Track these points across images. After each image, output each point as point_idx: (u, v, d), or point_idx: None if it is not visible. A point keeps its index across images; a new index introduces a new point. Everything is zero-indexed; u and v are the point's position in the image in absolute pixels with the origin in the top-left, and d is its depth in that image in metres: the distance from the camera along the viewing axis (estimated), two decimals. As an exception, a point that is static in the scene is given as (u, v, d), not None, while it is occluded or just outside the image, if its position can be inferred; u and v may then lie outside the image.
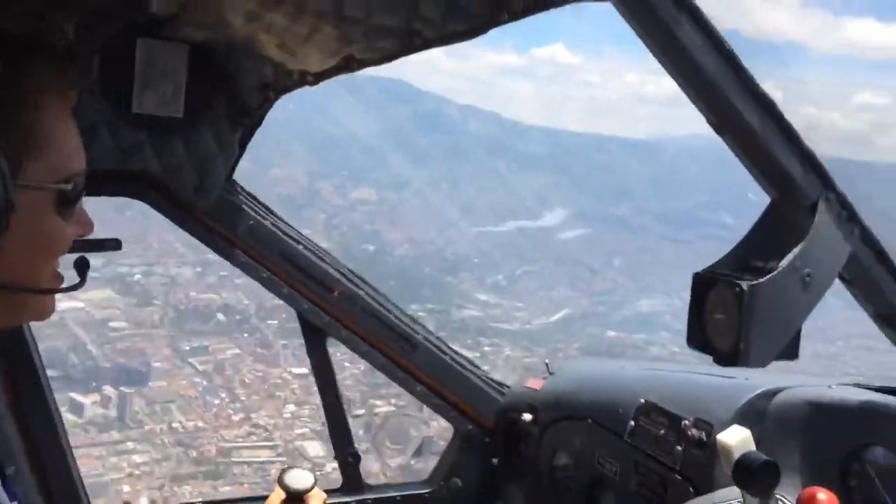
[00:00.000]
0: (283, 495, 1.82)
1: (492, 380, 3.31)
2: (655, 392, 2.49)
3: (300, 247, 2.88)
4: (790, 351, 1.64)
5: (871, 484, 1.83)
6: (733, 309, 1.54)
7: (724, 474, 2.06)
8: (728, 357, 1.59)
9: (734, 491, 2.02)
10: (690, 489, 2.18)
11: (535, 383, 3.17)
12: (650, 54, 1.63)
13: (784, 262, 1.56)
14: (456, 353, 3.23)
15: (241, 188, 2.85)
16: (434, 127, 76.07)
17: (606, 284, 43.67)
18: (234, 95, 2.58)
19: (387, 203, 50.55)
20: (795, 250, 1.56)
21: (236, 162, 2.76)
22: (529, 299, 38.70)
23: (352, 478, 3.02)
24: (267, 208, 2.90)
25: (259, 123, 2.71)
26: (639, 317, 39.07)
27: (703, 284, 1.64)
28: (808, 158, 1.64)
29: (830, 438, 1.95)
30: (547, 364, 3.23)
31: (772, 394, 2.16)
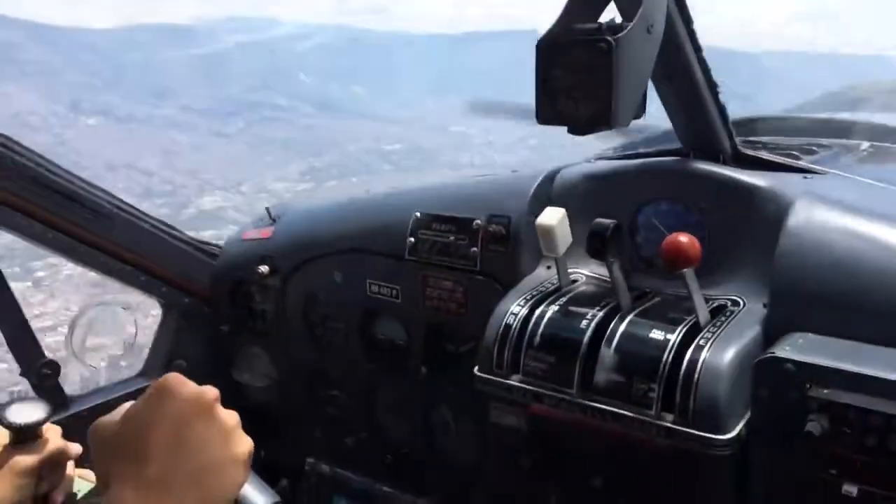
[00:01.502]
0: (6, 437, 1.31)
1: (203, 242, 2.81)
2: (430, 203, 2.28)
3: None
4: (642, 107, 1.64)
5: (657, 233, 1.99)
6: (598, 70, 1.46)
7: (527, 263, 2.09)
8: (592, 122, 1.51)
9: (541, 273, 2.06)
10: (497, 285, 2.10)
11: (260, 233, 2.76)
12: None
13: (636, 16, 1.51)
14: (155, 220, 2.65)
15: None
16: None
17: (166, 186, 41.38)
18: None
19: None
20: (644, 2, 1.51)
21: None
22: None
23: (52, 393, 2.29)
24: None
25: None
26: (204, 214, 38.03)
27: (548, 52, 1.51)
28: None
29: (614, 204, 2.04)
30: (268, 210, 2.82)
31: (551, 177, 2.17)
